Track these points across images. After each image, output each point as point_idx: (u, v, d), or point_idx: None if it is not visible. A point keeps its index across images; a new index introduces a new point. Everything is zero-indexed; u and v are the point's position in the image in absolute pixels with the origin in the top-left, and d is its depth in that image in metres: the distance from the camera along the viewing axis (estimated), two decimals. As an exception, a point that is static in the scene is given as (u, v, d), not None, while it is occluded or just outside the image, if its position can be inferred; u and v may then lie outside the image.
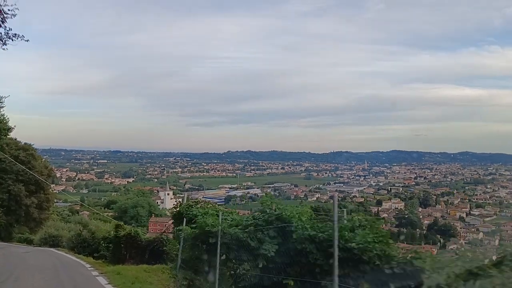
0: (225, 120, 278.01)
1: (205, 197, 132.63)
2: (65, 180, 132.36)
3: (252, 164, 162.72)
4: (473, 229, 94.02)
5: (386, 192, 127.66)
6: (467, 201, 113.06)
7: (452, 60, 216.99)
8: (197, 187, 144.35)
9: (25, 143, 32.47)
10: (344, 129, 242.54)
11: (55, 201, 41.06)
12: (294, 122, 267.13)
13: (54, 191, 40.97)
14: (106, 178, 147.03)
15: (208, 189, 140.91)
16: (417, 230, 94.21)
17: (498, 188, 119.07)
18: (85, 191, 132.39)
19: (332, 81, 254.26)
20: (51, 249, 23.84)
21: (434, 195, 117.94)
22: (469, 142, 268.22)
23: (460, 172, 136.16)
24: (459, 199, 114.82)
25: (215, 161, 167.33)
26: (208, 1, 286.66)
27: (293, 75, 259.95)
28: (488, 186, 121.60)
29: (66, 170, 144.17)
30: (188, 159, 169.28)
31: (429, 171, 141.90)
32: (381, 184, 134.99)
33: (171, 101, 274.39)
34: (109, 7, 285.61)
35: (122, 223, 23.58)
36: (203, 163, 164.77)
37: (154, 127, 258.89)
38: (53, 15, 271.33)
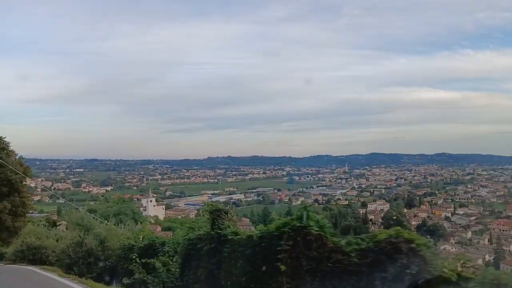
0: (204, 126, 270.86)
1: (187, 204, 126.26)
2: (41, 190, 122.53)
3: (234, 170, 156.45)
4: (460, 229, 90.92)
5: (369, 194, 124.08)
6: (450, 201, 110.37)
7: (427, 64, 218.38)
8: (178, 194, 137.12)
9: (-6, 135, 25.58)
10: (323, 133, 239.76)
11: (30, 211, 33.70)
12: (274, 126, 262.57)
13: (33, 189, 33.65)
14: (84, 187, 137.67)
15: (189, 195, 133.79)
16: (407, 231, 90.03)
17: (478, 188, 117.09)
18: (61, 200, 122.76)
19: (311, 85, 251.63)
20: (31, 267, 17.10)
21: (417, 195, 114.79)
22: (445, 143, 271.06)
23: (439, 173, 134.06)
24: (442, 199, 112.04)
25: (196, 167, 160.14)
26: (185, 7, 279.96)
27: (272, 80, 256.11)
28: (469, 186, 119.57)
29: (42, 180, 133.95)
30: (168, 166, 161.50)
31: (408, 172, 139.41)
32: (363, 186, 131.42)
33: (149, 108, 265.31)
34: (83, 13, 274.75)
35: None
36: (183, 170, 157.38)
37: (132, 134, 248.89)
38: (24, 21, 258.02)
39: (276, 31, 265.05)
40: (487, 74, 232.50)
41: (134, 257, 12.45)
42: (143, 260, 12.22)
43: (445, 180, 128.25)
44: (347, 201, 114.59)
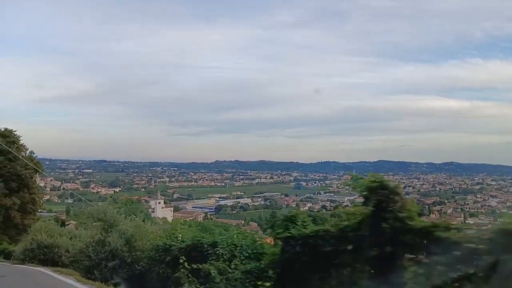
0: (212, 129, 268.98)
1: (194, 207, 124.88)
2: (50, 190, 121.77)
3: (241, 174, 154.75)
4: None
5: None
6: (460, 210, 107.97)
7: (434, 72, 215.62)
8: (186, 197, 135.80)
9: (5, 129, 24.19)
10: (330, 139, 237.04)
11: (39, 210, 32.28)
12: (281, 132, 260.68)
13: (43, 188, 32.32)
14: (92, 188, 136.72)
15: (197, 198, 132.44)
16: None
17: (488, 198, 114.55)
18: (70, 200, 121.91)
19: (318, 92, 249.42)
20: (43, 269, 15.52)
21: (426, 204, 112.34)
22: (453, 152, 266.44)
23: (447, 182, 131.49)
24: (451, 209, 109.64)
25: (203, 170, 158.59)
26: (192, 10, 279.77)
27: (278, 85, 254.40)
28: (478, 196, 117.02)
29: (51, 180, 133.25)
30: (176, 168, 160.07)
31: (416, 180, 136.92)
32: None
33: (156, 110, 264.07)
34: (90, 14, 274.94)
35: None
36: (190, 173, 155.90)
37: (140, 136, 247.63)
38: (32, 21, 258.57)
39: (282, 36, 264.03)
40: (496, 84, 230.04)
41: (182, 261, 9.84)
42: (194, 266, 9.58)
43: (454, 189, 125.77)
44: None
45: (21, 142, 25.21)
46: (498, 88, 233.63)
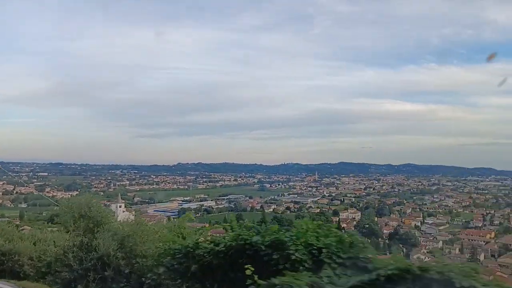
0: (175, 132, 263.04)
1: (156, 211, 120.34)
2: (2, 194, 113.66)
3: (204, 176, 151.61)
4: (431, 238, 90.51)
5: (339, 202, 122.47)
6: (418, 210, 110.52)
7: (394, 76, 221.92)
8: (147, 200, 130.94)
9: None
10: (293, 141, 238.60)
11: None
12: (246, 134, 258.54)
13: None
14: (48, 192, 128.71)
15: (159, 202, 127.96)
16: (379, 239, 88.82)
17: (445, 198, 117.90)
18: (24, 205, 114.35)
19: (282, 94, 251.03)
20: (1, 283, 12.57)
21: (387, 204, 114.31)
22: (411, 154, 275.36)
23: (406, 183, 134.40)
24: (410, 209, 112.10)
25: (165, 173, 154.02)
26: (158, 11, 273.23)
27: (244, 87, 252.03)
28: (435, 196, 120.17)
29: (3, 184, 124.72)
30: (136, 171, 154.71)
31: (376, 182, 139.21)
32: (333, 194, 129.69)
33: (118, 112, 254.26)
34: (52, 13, 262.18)
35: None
36: (152, 176, 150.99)
37: (99, 138, 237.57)
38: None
39: (250, 39, 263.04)
40: (451, 88, 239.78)
41: (250, 272, 5.89)
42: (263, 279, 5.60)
43: (412, 190, 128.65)
44: (319, 209, 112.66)
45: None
46: (452, 92, 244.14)
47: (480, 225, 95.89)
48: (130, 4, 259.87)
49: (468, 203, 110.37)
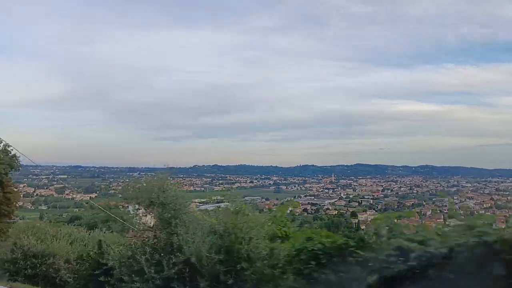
0: (190, 134, 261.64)
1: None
2: (23, 196, 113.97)
3: (220, 178, 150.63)
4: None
5: (357, 204, 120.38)
6: (439, 211, 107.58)
7: (410, 77, 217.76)
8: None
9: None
10: (308, 143, 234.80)
11: (15, 213, 27.45)
12: (260, 136, 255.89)
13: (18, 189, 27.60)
14: (67, 194, 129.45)
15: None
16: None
17: (465, 199, 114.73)
18: (44, 207, 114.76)
19: (296, 95, 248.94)
20: None
21: (406, 206, 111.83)
22: (429, 155, 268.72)
23: (424, 184, 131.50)
24: (430, 210, 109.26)
25: (182, 175, 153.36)
26: (172, 14, 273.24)
27: (258, 89, 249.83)
28: (455, 197, 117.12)
29: (24, 186, 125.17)
30: (153, 174, 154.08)
31: (394, 183, 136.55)
32: (351, 196, 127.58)
33: (134, 115, 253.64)
34: (67, 17, 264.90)
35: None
36: (169, 178, 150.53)
37: (117, 141, 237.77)
38: (6, 25, 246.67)
39: (263, 41, 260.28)
40: (469, 89, 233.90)
41: None
42: None
43: (430, 192, 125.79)
44: (336, 211, 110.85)
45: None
46: (470, 93, 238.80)
47: (503, 227, 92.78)
48: (144, 8, 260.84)
49: (489, 205, 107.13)
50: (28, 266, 12.52)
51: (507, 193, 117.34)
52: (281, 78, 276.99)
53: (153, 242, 8.81)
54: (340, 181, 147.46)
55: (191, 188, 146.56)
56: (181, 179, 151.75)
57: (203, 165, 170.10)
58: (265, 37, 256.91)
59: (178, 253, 7.94)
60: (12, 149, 22.14)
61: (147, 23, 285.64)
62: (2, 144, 21.49)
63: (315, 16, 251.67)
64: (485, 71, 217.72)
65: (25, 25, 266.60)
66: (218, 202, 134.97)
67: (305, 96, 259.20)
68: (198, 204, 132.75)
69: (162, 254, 8.24)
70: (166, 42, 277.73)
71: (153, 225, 9.25)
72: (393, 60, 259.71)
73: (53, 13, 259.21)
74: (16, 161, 22.07)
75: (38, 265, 12.59)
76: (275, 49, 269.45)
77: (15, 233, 14.48)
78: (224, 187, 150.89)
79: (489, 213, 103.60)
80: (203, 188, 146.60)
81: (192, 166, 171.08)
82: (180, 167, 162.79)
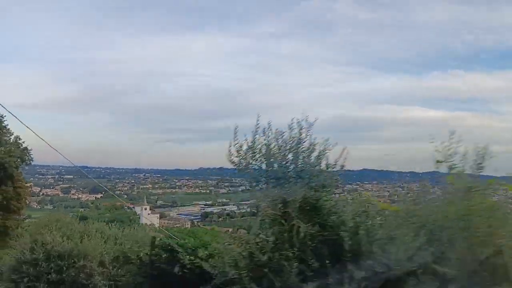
0: (196, 137, 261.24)
1: (179, 214, 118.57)
2: (29, 196, 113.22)
3: (226, 181, 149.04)
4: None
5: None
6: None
7: (417, 83, 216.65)
8: (170, 204, 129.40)
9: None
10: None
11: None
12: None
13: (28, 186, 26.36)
14: (73, 194, 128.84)
15: (182, 205, 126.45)
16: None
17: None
18: (50, 206, 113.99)
19: (301, 100, 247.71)
20: None
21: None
22: (435, 161, 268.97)
23: (432, 190, 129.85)
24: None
25: (187, 177, 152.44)
26: (178, 19, 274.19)
27: (263, 94, 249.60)
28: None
29: (30, 185, 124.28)
30: (159, 175, 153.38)
31: (401, 189, 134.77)
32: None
33: (141, 117, 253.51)
34: (73, 22, 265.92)
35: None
36: (174, 180, 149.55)
37: (122, 143, 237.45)
38: (11, 29, 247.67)
39: (269, 46, 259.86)
40: (477, 95, 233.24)
41: None
42: None
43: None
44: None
45: (5, 123, 19.64)
46: (478, 99, 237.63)
47: None
48: (152, 13, 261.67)
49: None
50: (52, 270, 9.97)
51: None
52: (287, 83, 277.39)
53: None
54: (347, 186, 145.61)
55: (196, 190, 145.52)
56: (186, 180, 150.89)
57: (208, 168, 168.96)
58: (272, 43, 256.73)
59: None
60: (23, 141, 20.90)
61: (154, 28, 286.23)
62: (13, 136, 20.19)
63: (322, 22, 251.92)
64: (494, 78, 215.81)
65: (38, 31, 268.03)
66: (223, 205, 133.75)
67: (312, 101, 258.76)
68: (203, 206, 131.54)
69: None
70: (173, 47, 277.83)
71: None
72: (400, 66, 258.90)
73: (63, 21, 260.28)
74: (27, 154, 20.73)
75: (64, 268, 10.07)
76: (281, 55, 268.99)
77: (34, 228, 12.08)
78: (230, 190, 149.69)
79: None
80: (208, 191, 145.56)
81: (197, 168, 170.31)
82: (185, 169, 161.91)
